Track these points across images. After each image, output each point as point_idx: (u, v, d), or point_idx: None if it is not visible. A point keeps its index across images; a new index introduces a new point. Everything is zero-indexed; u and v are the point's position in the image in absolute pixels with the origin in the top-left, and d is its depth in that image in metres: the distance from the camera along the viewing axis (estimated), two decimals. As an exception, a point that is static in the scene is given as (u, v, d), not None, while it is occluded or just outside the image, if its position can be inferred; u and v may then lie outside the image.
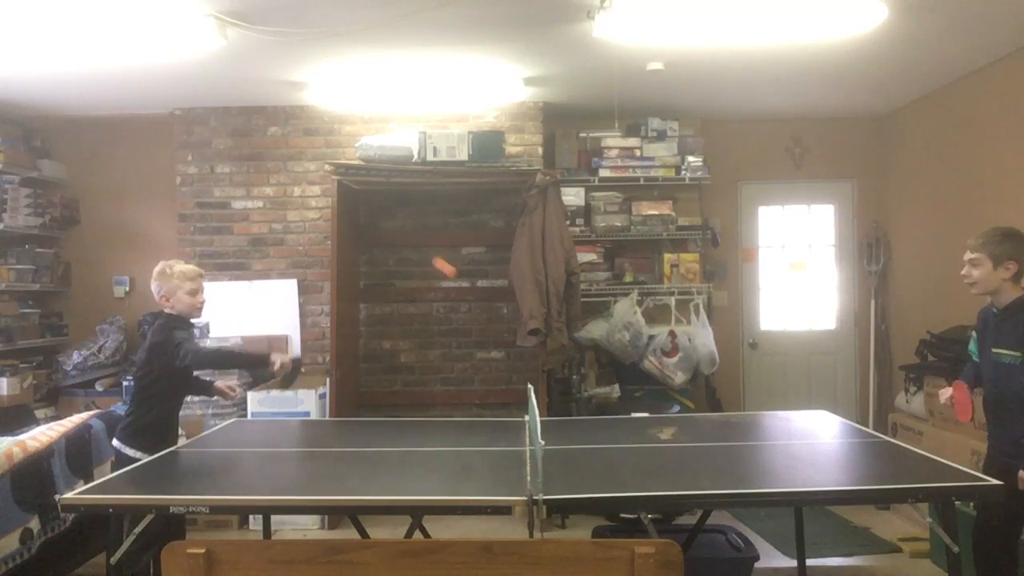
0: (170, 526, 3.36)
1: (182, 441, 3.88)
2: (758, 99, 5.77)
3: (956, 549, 2.68)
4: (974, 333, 3.47)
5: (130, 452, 3.49)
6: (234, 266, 5.75)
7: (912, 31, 4.23)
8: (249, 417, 4.96)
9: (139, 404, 3.60)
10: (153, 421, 3.56)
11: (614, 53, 4.40)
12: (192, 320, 3.70)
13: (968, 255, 3.24)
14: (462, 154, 5.02)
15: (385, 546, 2.23)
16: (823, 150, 6.45)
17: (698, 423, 4.34)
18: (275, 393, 5.04)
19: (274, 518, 4.40)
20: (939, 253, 5.54)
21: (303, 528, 4.97)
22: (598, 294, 5.77)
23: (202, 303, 3.65)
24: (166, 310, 3.60)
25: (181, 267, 3.61)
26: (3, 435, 3.96)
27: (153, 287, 3.61)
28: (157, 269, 3.60)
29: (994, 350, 3.21)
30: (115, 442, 3.59)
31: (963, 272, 3.27)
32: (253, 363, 3.89)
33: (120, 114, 5.88)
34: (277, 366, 3.47)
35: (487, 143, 5.06)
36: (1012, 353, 3.13)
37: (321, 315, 5.70)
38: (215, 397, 4.08)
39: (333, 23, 3.96)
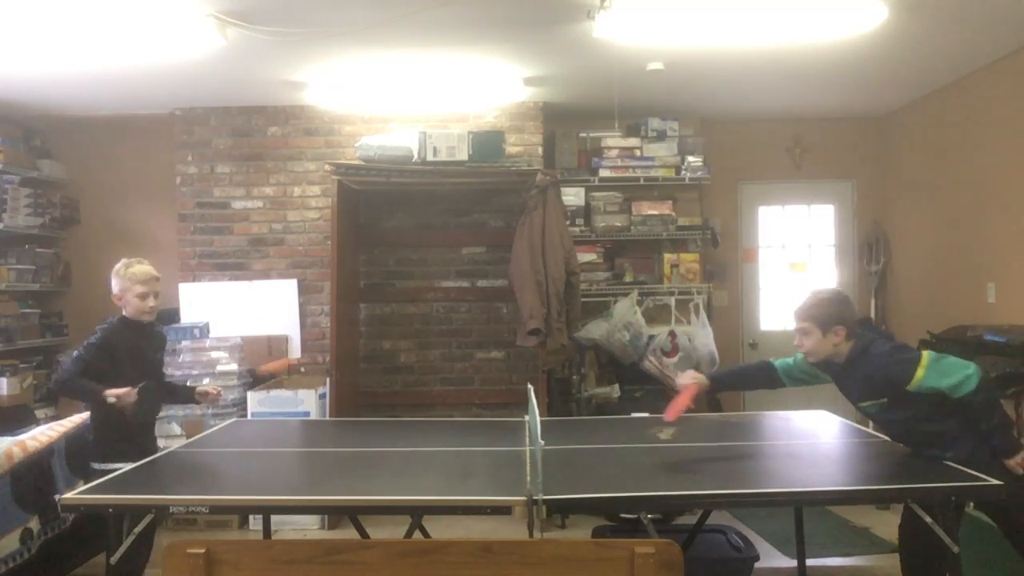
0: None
1: (182, 441, 3.88)
2: (758, 99, 5.77)
3: (956, 549, 2.68)
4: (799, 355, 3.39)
5: (101, 467, 3.40)
6: (234, 266, 5.75)
7: (912, 31, 4.23)
8: (249, 417, 4.95)
9: (91, 414, 3.55)
10: (107, 429, 3.47)
11: (614, 53, 4.40)
12: (144, 323, 3.58)
13: (796, 324, 3.23)
14: (462, 154, 5.02)
15: (385, 546, 2.23)
16: (823, 150, 6.45)
17: (698, 423, 4.34)
18: (275, 393, 5.04)
19: (274, 518, 4.39)
20: (939, 253, 5.54)
21: (303, 528, 4.97)
22: (598, 294, 5.76)
23: (151, 308, 3.55)
24: (123, 311, 3.55)
25: (135, 268, 3.52)
26: (3, 435, 3.96)
27: (111, 285, 3.55)
28: (116, 267, 3.54)
29: (861, 404, 3.19)
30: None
31: (795, 342, 3.25)
32: (93, 398, 3.47)
33: (120, 114, 5.88)
34: (112, 399, 3.32)
35: (487, 143, 5.06)
36: (877, 402, 3.09)
37: (321, 315, 5.70)
38: (198, 403, 3.99)
39: (333, 23, 3.96)
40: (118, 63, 4.54)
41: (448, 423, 4.54)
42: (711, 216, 6.18)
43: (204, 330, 5.34)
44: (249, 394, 5.03)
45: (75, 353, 3.46)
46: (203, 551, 2.15)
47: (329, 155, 5.61)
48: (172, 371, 5.14)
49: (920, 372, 2.94)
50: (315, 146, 5.72)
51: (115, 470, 3.16)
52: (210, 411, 5.03)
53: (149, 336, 3.71)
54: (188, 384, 4.51)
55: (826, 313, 3.14)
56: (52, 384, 3.46)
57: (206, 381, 5.10)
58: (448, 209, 5.79)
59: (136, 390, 3.37)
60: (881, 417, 3.19)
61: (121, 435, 3.49)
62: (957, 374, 2.92)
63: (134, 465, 3.17)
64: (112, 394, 3.32)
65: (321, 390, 5.07)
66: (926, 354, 3.01)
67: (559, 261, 4.93)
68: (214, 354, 5.20)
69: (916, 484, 2.78)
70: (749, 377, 3.71)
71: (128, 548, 2.71)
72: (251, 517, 4.97)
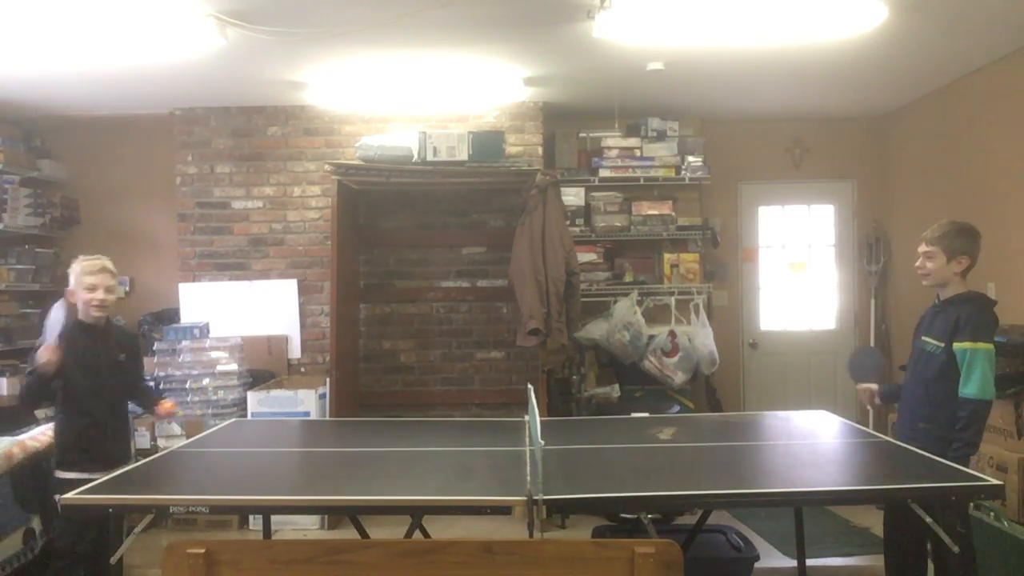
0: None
1: (182, 441, 3.87)
2: (758, 99, 5.77)
3: (956, 549, 2.68)
4: None
5: (61, 475, 3.31)
6: (234, 266, 5.75)
7: (912, 31, 4.23)
8: (249, 417, 4.96)
9: (54, 421, 3.51)
10: (68, 436, 3.40)
11: (614, 53, 4.40)
12: (96, 323, 3.46)
13: (923, 247, 3.37)
14: (462, 154, 5.02)
15: (385, 546, 2.23)
16: (823, 150, 6.45)
17: (698, 423, 4.34)
18: (275, 393, 5.04)
19: (274, 518, 4.39)
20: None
21: (303, 528, 4.97)
22: (598, 294, 5.76)
23: (99, 301, 3.42)
24: (78, 312, 3.46)
25: (86, 262, 3.44)
26: (3, 435, 3.97)
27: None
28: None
29: (923, 338, 3.39)
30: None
31: (917, 264, 3.40)
32: (42, 387, 3.36)
33: (120, 114, 5.88)
34: (43, 360, 3.24)
35: (487, 143, 5.06)
36: (936, 343, 3.29)
37: (321, 315, 5.70)
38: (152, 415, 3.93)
39: (333, 23, 3.96)
40: (118, 63, 4.54)
41: (448, 423, 4.53)
42: (711, 216, 6.18)
43: (204, 330, 5.34)
44: (249, 394, 5.03)
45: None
46: (203, 551, 2.16)
47: (329, 155, 5.61)
48: (172, 371, 5.15)
49: (981, 345, 3.15)
50: (315, 146, 5.72)
51: (79, 480, 3.02)
52: (210, 411, 5.03)
53: (105, 338, 3.54)
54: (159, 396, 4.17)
55: (956, 241, 3.30)
56: (24, 390, 3.40)
57: (206, 381, 5.11)
58: (448, 209, 5.79)
59: (59, 348, 3.25)
60: (924, 361, 3.35)
61: (82, 443, 3.39)
62: (979, 376, 3.13)
63: (100, 480, 2.93)
64: (42, 359, 3.21)
65: (321, 390, 5.07)
66: (991, 348, 3.20)
67: (559, 261, 4.93)
68: (214, 354, 5.20)
69: (916, 484, 2.78)
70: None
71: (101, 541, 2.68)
72: (251, 517, 4.97)
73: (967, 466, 3.06)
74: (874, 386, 3.74)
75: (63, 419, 3.44)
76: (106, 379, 3.48)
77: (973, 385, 3.13)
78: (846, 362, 3.81)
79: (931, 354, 3.31)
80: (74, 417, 3.42)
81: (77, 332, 3.41)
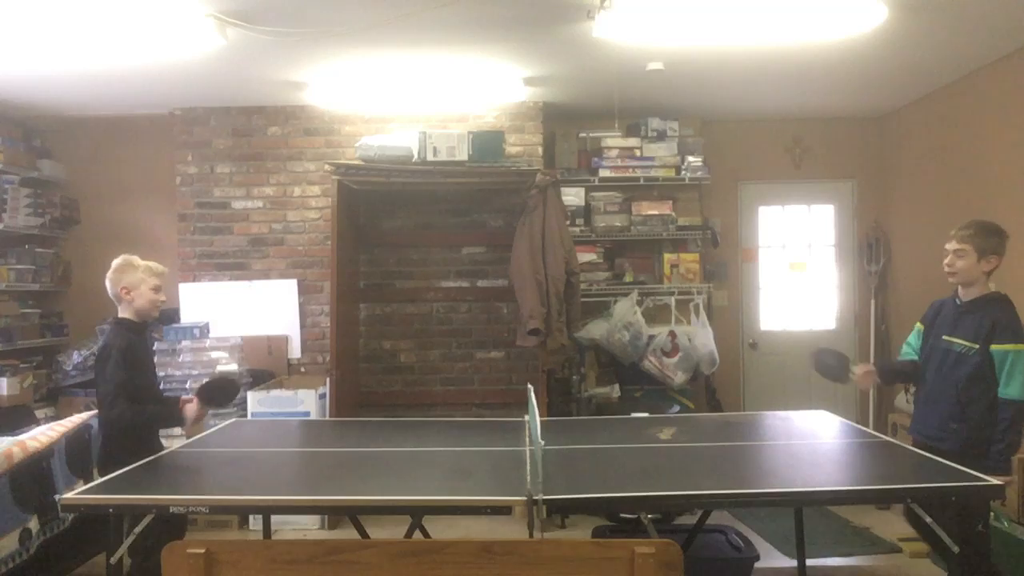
0: (172, 527, 3.25)
1: (182, 441, 3.87)
2: (758, 99, 5.77)
3: (956, 549, 2.69)
4: (918, 325, 3.59)
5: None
6: (234, 266, 5.75)
7: (912, 31, 4.23)
8: (249, 417, 4.95)
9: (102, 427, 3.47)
10: (121, 441, 3.33)
11: (614, 53, 4.40)
12: (148, 321, 3.54)
13: (954, 245, 3.34)
14: (462, 154, 5.02)
15: (385, 546, 2.23)
16: (823, 150, 6.45)
17: (698, 423, 4.34)
18: (275, 393, 5.04)
19: (274, 518, 4.40)
20: (939, 253, 5.51)
21: (303, 528, 4.97)
22: (598, 294, 5.76)
23: (162, 302, 3.49)
24: (120, 311, 3.43)
25: (149, 263, 3.47)
26: (3, 435, 3.96)
27: (111, 280, 3.41)
28: (119, 262, 3.42)
29: (946, 338, 3.33)
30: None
31: (946, 262, 3.37)
32: (169, 422, 3.46)
33: (120, 114, 5.88)
34: (188, 423, 3.28)
35: (487, 143, 5.06)
36: (968, 344, 3.24)
37: (321, 315, 5.70)
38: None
39: (333, 23, 3.96)
40: (118, 63, 4.54)
41: (448, 423, 4.53)
42: (711, 216, 6.18)
43: (204, 330, 5.34)
44: (249, 394, 5.03)
45: (107, 386, 3.29)
46: (203, 551, 2.15)
47: (329, 155, 5.61)
48: (172, 371, 5.15)
49: (1022, 346, 3.11)
50: (315, 146, 5.72)
51: None
52: (210, 411, 5.02)
53: (147, 336, 3.64)
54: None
55: (988, 241, 3.27)
56: (114, 430, 3.31)
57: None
58: (448, 209, 5.79)
59: (197, 401, 3.31)
60: (954, 362, 3.28)
61: (134, 442, 3.37)
62: (1021, 377, 3.09)
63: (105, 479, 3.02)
64: (192, 417, 3.26)
65: (321, 390, 5.07)
66: None
67: (559, 261, 4.93)
68: (214, 354, 5.20)
69: (916, 484, 2.78)
70: (907, 372, 3.78)
71: (149, 549, 2.69)
72: (251, 517, 4.97)
73: (1008, 467, 3.06)
74: (872, 368, 3.70)
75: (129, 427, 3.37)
76: (151, 376, 3.57)
77: (1015, 387, 3.11)
78: (814, 362, 3.75)
79: (962, 355, 3.25)
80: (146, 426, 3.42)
81: (129, 333, 3.40)
